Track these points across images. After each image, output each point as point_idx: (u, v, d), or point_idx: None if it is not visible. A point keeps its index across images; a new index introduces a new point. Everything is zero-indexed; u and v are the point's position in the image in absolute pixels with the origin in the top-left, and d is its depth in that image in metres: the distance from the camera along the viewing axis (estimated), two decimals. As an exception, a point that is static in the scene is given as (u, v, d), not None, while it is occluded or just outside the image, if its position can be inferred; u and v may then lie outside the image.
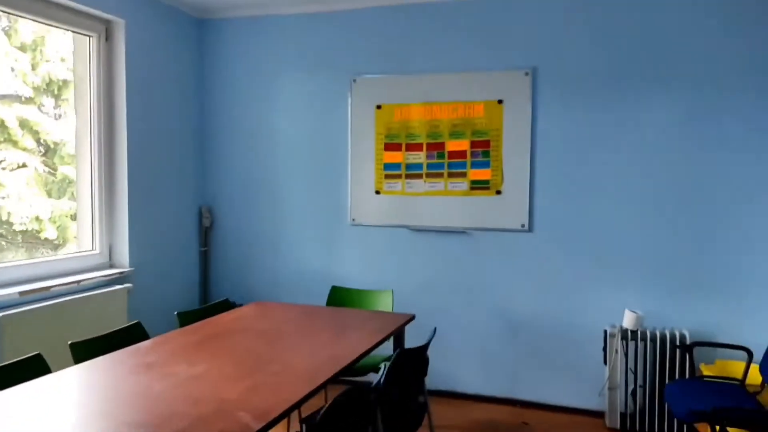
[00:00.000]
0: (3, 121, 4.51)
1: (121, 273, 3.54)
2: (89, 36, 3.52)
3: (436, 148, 3.79)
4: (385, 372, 2.11)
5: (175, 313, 2.77)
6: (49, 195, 4.84)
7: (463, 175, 3.74)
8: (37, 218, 4.64)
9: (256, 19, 4.14)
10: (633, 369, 3.30)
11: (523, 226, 3.64)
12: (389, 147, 3.89)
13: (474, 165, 3.72)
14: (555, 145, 3.56)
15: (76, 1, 3.24)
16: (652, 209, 3.41)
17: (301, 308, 3.08)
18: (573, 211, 3.55)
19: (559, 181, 3.57)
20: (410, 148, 3.84)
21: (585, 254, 3.54)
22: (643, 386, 3.29)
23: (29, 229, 4.59)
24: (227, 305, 3.13)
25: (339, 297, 3.47)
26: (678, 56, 3.32)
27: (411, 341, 2.93)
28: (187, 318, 2.78)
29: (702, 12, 3.27)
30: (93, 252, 3.57)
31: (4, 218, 4.49)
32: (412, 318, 2.90)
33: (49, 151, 4.88)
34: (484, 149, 3.69)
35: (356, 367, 2.67)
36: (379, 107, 3.89)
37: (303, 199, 4.12)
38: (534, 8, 3.56)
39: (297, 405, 1.78)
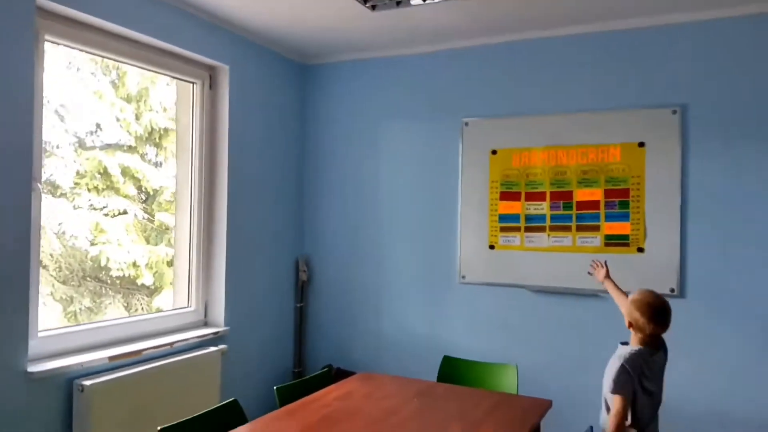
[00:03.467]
0: (106, 169, 4.55)
1: (216, 333, 3.28)
2: (193, 83, 3.40)
3: (562, 197, 3.32)
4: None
5: (275, 388, 2.43)
6: (147, 241, 4.81)
7: (596, 228, 3.23)
8: (134, 264, 4.59)
9: (360, 63, 3.91)
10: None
11: (672, 290, 3.05)
12: (506, 196, 3.46)
13: (609, 217, 3.20)
14: (712, 196, 2.99)
15: (183, 47, 3.12)
16: None
17: (414, 384, 2.66)
18: (739, 273, 2.93)
19: (719, 237, 2.97)
20: (531, 197, 3.39)
21: (759, 328, 2.89)
22: None
23: (126, 275, 4.54)
24: (329, 376, 2.77)
25: (452, 369, 3.02)
26: None
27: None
28: (286, 394, 2.44)
29: None
30: (188, 309, 3.36)
31: (103, 264, 4.47)
32: (550, 405, 2.39)
33: (148, 198, 4.88)
34: (621, 199, 3.18)
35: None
36: (494, 152, 3.49)
37: (408, 252, 3.74)
38: (683, 35, 3.06)
39: None
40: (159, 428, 1.90)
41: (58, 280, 4.42)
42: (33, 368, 2.35)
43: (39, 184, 2.47)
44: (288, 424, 2.11)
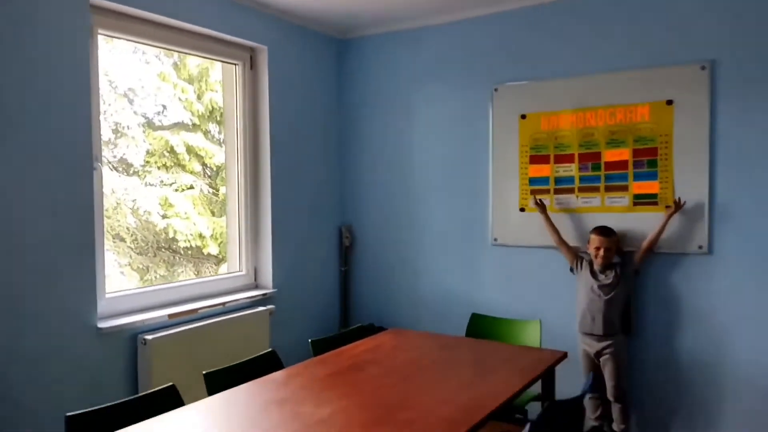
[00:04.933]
0: (173, 147, 4.93)
1: (265, 294, 3.59)
2: (235, 64, 3.64)
3: (590, 158, 3.36)
4: (529, 429, 1.81)
5: (309, 340, 2.69)
6: (213, 214, 5.18)
7: (624, 188, 3.26)
8: (200, 235, 4.99)
9: (392, 35, 4.03)
10: None
11: (700, 247, 3.07)
12: (535, 159, 3.53)
13: (637, 177, 3.23)
14: (742, 153, 2.96)
15: (224, 32, 3.35)
16: None
17: (439, 339, 2.85)
18: (769, 229, 2.91)
19: (749, 195, 2.95)
20: (559, 159, 3.45)
21: (786, 283, 2.88)
22: None
23: (193, 245, 4.94)
24: (363, 331, 3.00)
25: (480, 326, 3.19)
26: None
27: (562, 383, 2.57)
28: (321, 346, 2.69)
29: None
30: (240, 273, 3.67)
31: (171, 236, 4.89)
32: (564, 356, 2.53)
33: (213, 174, 5.24)
34: (649, 158, 3.19)
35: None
36: (523, 117, 3.56)
37: (442, 217, 3.90)
38: (711, -10, 3.00)
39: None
40: (204, 372, 2.20)
41: (135, 252, 4.88)
42: (102, 324, 2.71)
43: (99, 164, 2.79)
44: (319, 369, 2.36)
